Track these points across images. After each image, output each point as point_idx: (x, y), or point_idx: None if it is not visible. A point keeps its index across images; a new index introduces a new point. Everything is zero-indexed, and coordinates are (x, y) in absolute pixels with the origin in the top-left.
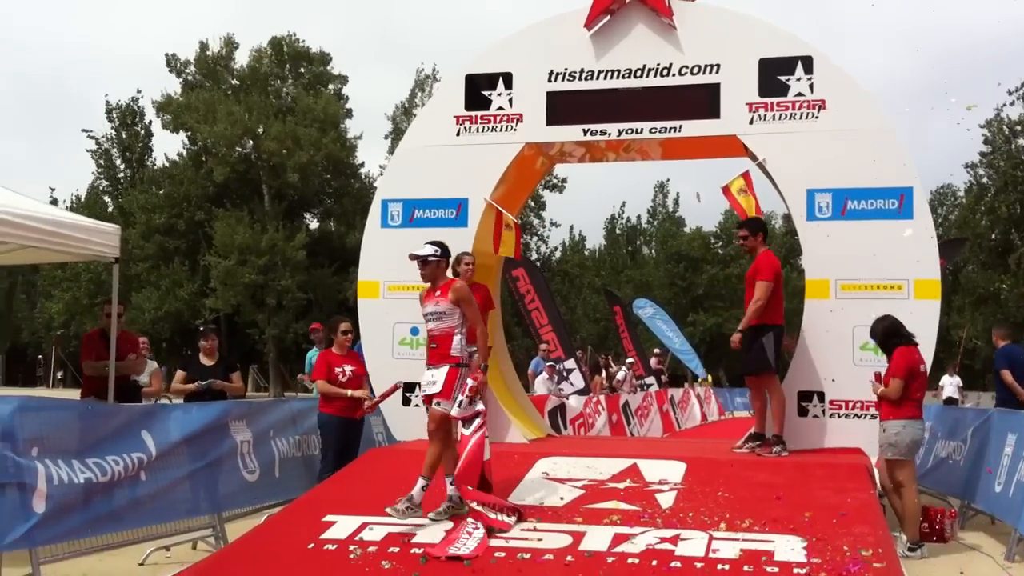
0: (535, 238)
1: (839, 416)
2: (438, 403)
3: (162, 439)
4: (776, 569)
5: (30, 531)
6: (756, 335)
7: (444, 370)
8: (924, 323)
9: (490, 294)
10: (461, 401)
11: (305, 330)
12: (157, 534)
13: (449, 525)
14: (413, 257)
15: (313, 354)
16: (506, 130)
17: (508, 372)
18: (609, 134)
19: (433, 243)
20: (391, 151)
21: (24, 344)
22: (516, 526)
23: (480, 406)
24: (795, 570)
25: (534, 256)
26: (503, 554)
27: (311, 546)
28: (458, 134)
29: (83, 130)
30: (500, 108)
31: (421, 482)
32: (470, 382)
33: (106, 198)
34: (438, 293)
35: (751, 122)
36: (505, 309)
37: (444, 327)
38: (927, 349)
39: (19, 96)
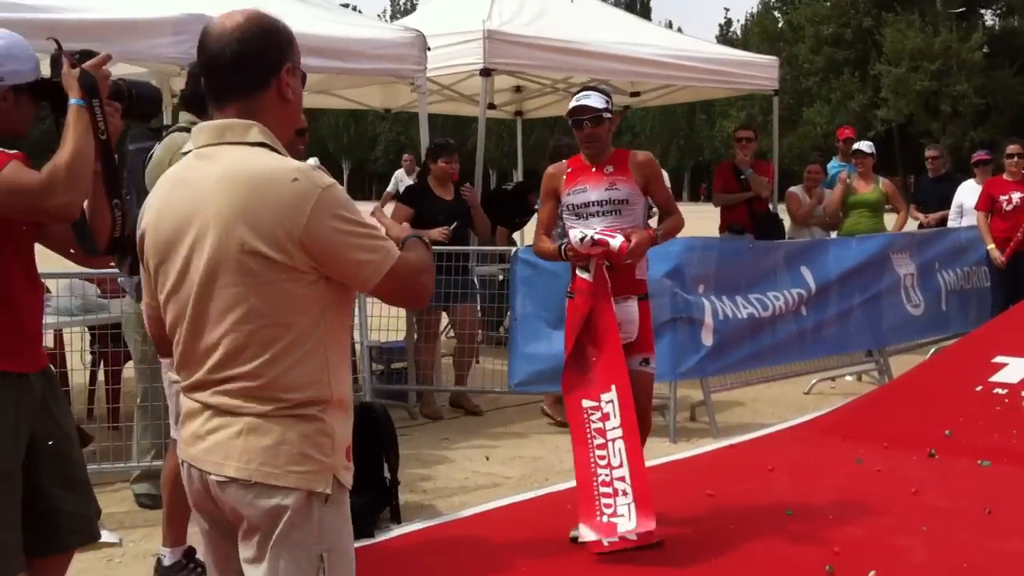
0: None
1: None
2: (645, 361)
3: (821, 274)
4: None
5: (700, 362)
6: None
7: (633, 308)
8: None
9: None
10: (592, 264)
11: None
12: (821, 366)
13: None
14: (576, 113)
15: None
16: None
17: None
18: None
19: (597, 89)
20: None
21: (707, 161)
22: None
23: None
24: None
25: None
26: None
27: (979, 388)
28: None
29: None
30: None
31: None
32: (621, 238)
33: (775, 14)
34: (610, 169)
35: None
36: None
37: (623, 226)
38: None
39: None
